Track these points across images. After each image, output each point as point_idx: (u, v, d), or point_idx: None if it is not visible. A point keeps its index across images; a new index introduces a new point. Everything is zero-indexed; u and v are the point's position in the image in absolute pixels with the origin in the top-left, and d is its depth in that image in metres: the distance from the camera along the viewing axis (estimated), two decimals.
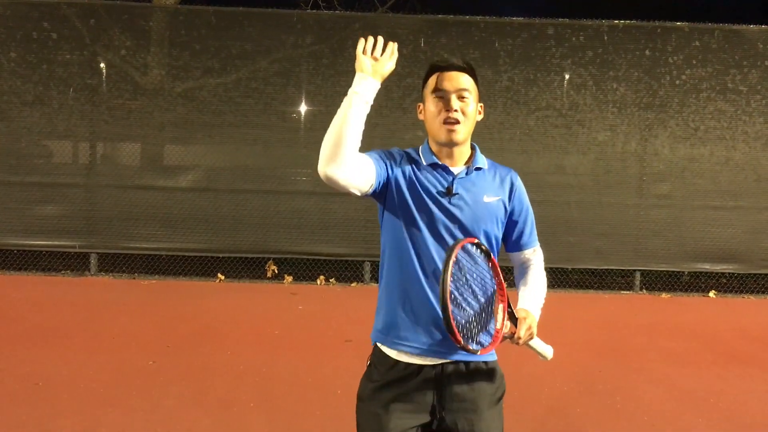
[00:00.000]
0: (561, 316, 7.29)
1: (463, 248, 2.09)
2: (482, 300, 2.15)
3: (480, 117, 2.31)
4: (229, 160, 8.47)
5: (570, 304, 7.81)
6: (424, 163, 2.25)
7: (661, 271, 8.64)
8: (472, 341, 2.07)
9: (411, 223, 2.20)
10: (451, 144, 2.23)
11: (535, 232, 2.40)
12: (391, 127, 8.21)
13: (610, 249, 8.42)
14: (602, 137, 8.38)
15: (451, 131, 2.20)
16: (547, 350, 2.34)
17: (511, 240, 2.36)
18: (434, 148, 2.27)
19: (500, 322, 2.17)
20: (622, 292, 8.52)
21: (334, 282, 8.26)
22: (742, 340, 6.53)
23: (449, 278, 1.97)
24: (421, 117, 2.30)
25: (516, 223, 2.33)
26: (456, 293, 2.04)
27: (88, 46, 8.19)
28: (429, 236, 2.19)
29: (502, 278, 2.21)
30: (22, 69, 8.14)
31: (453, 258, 2.00)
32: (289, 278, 8.28)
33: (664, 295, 8.44)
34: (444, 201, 2.20)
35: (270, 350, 5.63)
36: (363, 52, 2.18)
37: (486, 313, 2.16)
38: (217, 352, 5.51)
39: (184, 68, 8.32)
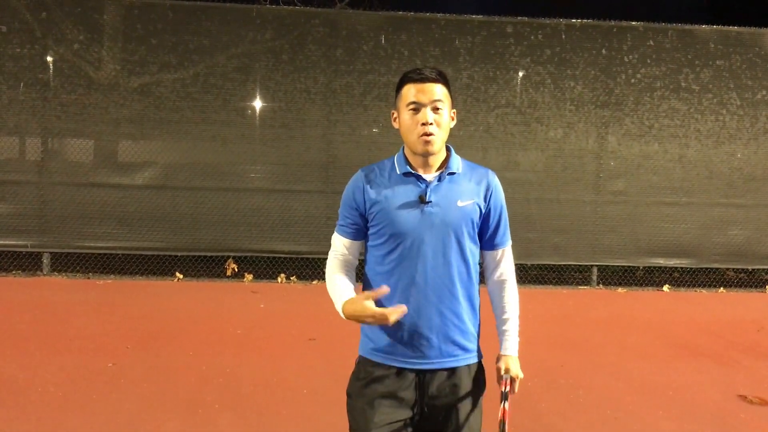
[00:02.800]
0: (521, 311, 7.36)
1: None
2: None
3: (453, 123, 2.34)
4: (186, 156, 8.31)
5: (529, 300, 7.84)
6: (399, 172, 2.30)
7: (616, 266, 8.84)
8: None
9: (389, 237, 2.26)
10: (426, 155, 2.27)
11: (508, 233, 2.45)
12: (351, 123, 8.20)
13: (567, 245, 8.56)
14: (560, 135, 8.51)
15: (427, 143, 2.23)
16: None
17: (485, 239, 2.40)
18: (410, 156, 2.32)
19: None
20: (580, 287, 8.68)
21: (295, 280, 8.21)
22: (696, 332, 6.71)
23: None
24: (395, 125, 2.34)
25: (491, 223, 2.38)
26: None
27: (39, 39, 7.95)
28: (406, 248, 2.24)
29: (506, 407, 2.36)
30: None
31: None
32: (249, 276, 8.19)
33: (620, 289, 8.62)
34: (418, 210, 2.24)
35: (233, 350, 5.56)
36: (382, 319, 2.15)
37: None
38: (178, 352, 5.42)
39: (140, 63, 8.14)
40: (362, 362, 2.33)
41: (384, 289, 2.17)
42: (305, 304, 7.31)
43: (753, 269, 9.19)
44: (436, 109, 2.23)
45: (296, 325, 6.36)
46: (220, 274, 8.29)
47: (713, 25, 8.70)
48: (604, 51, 8.46)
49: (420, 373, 2.26)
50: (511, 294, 2.45)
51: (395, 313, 2.12)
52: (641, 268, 9.11)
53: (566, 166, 8.54)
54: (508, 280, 2.47)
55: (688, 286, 8.84)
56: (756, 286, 8.98)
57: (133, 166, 8.20)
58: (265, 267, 8.30)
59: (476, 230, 2.34)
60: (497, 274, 2.46)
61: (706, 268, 8.89)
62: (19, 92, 7.93)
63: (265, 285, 8.06)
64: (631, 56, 8.48)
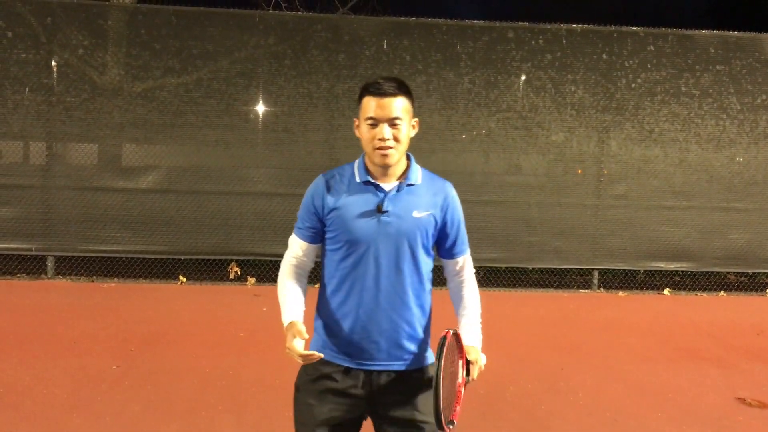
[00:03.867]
0: (522, 314, 7.42)
1: (450, 341, 2.18)
2: (454, 380, 2.25)
3: (414, 132, 2.37)
4: (190, 161, 8.38)
5: (530, 303, 7.95)
6: (358, 180, 2.34)
7: (617, 269, 8.87)
8: (448, 422, 2.16)
9: (344, 244, 2.31)
10: (384, 167, 2.32)
11: (466, 241, 2.51)
12: (353, 128, 8.23)
13: (568, 249, 8.59)
14: (561, 139, 8.55)
15: (384, 156, 2.27)
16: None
17: (444, 248, 2.46)
18: (369, 165, 2.36)
19: (461, 377, 2.27)
20: (581, 290, 8.71)
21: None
22: (696, 336, 6.74)
23: (441, 376, 2.07)
24: (357, 134, 2.37)
25: (448, 233, 2.43)
26: (445, 391, 2.13)
27: (44, 44, 8.02)
28: (360, 255, 2.30)
29: (462, 341, 2.30)
30: None
31: (443, 357, 2.10)
32: (252, 280, 8.24)
33: (620, 293, 8.65)
34: (375, 219, 2.29)
35: (236, 353, 5.60)
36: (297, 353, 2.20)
37: (453, 391, 2.25)
38: (181, 355, 5.46)
39: (144, 68, 8.21)
40: None
41: (317, 356, 2.19)
42: (307, 307, 7.32)
43: (753, 273, 9.23)
44: (393, 125, 2.27)
45: None
46: (223, 278, 8.34)
47: (714, 30, 8.75)
48: (604, 56, 8.51)
49: (367, 373, 2.32)
50: (472, 293, 2.49)
51: (307, 360, 2.18)
52: (642, 271, 9.15)
53: (567, 170, 8.59)
54: (467, 281, 2.51)
55: (689, 289, 8.86)
56: (756, 290, 9.00)
57: (137, 170, 8.26)
58: (267, 270, 8.34)
59: (431, 241, 2.39)
60: (458, 280, 2.51)
61: (707, 272, 8.92)
62: (24, 97, 7.99)
63: (267, 288, 8.10)
64: (631, 61, 8.52)
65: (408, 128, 2.31)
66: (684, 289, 8.88)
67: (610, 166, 8.60)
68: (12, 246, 8.03)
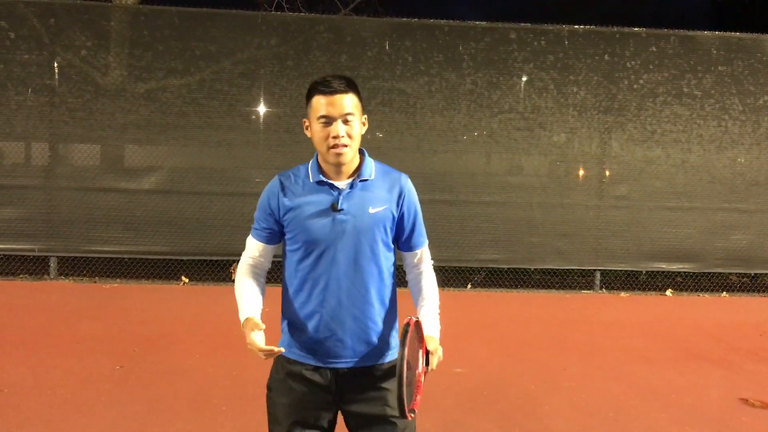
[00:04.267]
0: (524, 315, 7.43)
1: (412, 329, 2.16)
2: (414, 369, 2.23)
3: (365, 129, 2.39)
4: (192, 161, 8.38)
5: (533, 304, 7.96)
6: (312, 180, 2.35)
7: (619, 270, 8.88)
8: (410, 410, 2.16)
9: (302, 244, 2.32)
10: (339, 165, 2.32)
11: (424, 233, 2.50)
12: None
13: (570, 249, 8.60)
14: (563, 140, 8.56)
15: (339, 155, 2.28)
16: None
17: (401, 241, 2.46)
18: (323, 164, 2.36)
19: (421, 367, 2.25)
20: (583, 291, 8.71)
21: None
22: (699, 337, 6.74)
23: (405, 364, 2.06)
24: (308, 134, 2.37)
25: (405, 226, 2.43)
26: (408, 378, 2.12)
27: (47, 45, 8.04)
28: (319, 255, 2.31)
29: (422, 331, 2.29)
30: None
31: (409, 335, 2.10)
32: None
33: (623, 293, 8.65)
34: (329, 218, 2.30)
35: (239, 353, 5.57)
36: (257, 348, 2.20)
37: (414, 380, 2.23)
38: (185, 355, 5.47)
39: (147, 69, 8.22)
40: (279, 358, 2.39)
41: (279, 350, 2.20)
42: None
43: (756, 274, 9.22)
44: (346, 122, 2.28)
45: None
46: (226, 278, 8.34)
47: (716, 31, 8.76)
48: (606, 57, 8.52)
49: (335, 371, 2.32)
50: (430, 284, 2.48)
51: (268, 355, 2.18)
52: (644, 272, 9.14)
53: (569, 171, 8.60)
54: (425, 272, 2.50)
55: (691, 290, 8.87)
56: (759, 291, 8.99)
57: (140, 171, 8.27)
58: (269, 271, 8.32)
59: (390, 235, 2.39)
60: (416, 272, 2.51)
61: (709, 273, 8.92)
62: (27, 98, 8.01)
63: (269, 289, 8.06)
64: (633, 62, 8.52)
65: (359, 125, 2.34)
66: (686, 290, 8.88)
67: (612, 166, 8.61)
68: (15, 246, 8.05)
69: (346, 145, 2.27)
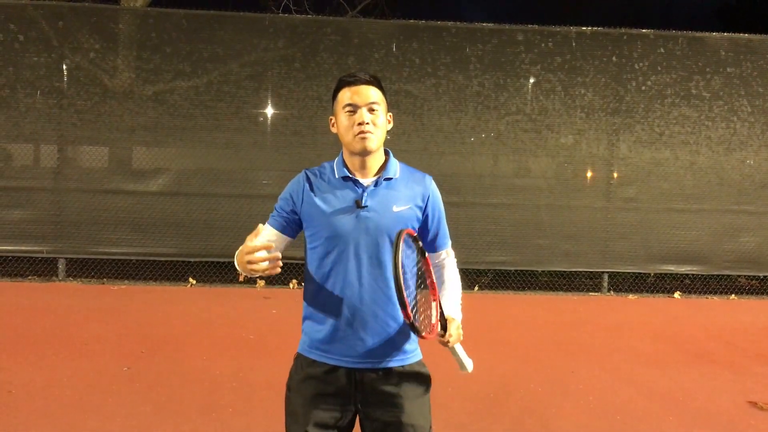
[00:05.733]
0: (532, 317, 7.41)
1: (405, 238, 2.18)
2: (420, 291, 2.25)
3: (390, 126, 2.40)
4: (200, 163, 8.41)
5: (540, 306, 7.94)
6: (337, 176, 2.36)
7: (627, 272, 8.85)
8: (418, 323, 2.16)
9: (325, 240, 2.32)
10: (365, 152, 2.31)
11: (448, 234, 2.52)
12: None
13: (578, 252, 8.58)
14: (571, 141, 8.54)
15: (364, 139, 2.28)
16: (468, 362, 2.41)
17: (426, 242, 2.45)
18: (348, 160, 2.37)
19: (435, 317, 2.26)
20: (591, 293, 8.68)
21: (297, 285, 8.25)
22: (708, 339, 6.71)
23: (401, 256, 2.07)
24: (333, 130, 2.40)
25: (429, 228, 2.44)
26: (405, 276, 2.12)
27: (55, 48, 8.08)
28: (341, 251, 2.30)
29: (434, 278, 2.31)
30: None
31: (402, 239, 2.11)
32: (261, 282, 8.26)
33: (630, 296, 8.62)
34: (353, 214, 2.29)
35: (246, 355, 5.61)
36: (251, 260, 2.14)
37: (424, 304, 2.26)
38: (192, 357, 5.48)
39: (155, 71, 8.26)
40: (298, 358, 2.40)
41: (260, 229, 2.16)
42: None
43: (765, 276, 9.16)
44: (372, 110, 2.30)
45: None
46: (233, 280, 8.36)
47: (724, 32, 8.72)
48: (614, 58, 8.50)
49: (353, 372, 2.31)
50: (452, 276, 2.49)
51: (252, 248, 2.11)
52: (652, 274, 9.11)
53: (577, 172, 8.58)
54: (448, 266, 2.51)
55: (700, 292, 8.82)
56: None
57: (147, 173, 8.30)
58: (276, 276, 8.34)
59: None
60: (439, 266, 2.52)
61: (718, 275, 8.88)
62: (35, 100, 8.06)
63: (277, 291, 8.12)
64: (641, 63, 8.50)
65: (384, 118, 2.35)
66: (694, 293, 8.83)
67: (620, 168, 8.58)
68: (23, 248, 8.09)
69: (370, 132, 2.28)
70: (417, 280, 2.28)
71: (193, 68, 8.23)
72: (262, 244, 2.13)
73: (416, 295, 2.24)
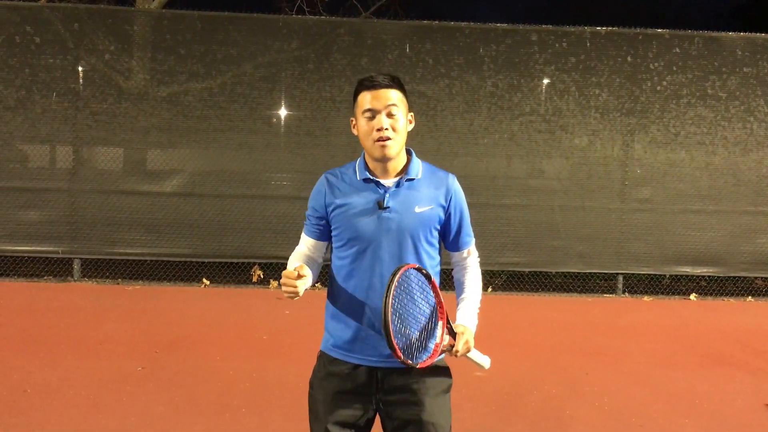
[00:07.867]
0: (546, 319, 7.37)
1: (406, 273, 2.19)
2: (423, 320, 2.25)
3: (411, 126, 2.40)
4: (213, 164, 8.44)
5: (554, 308, 7.89)
6: (359, 178, 2.37)
7: (642, 274, 8.78)
8: (412, 357, 2.17)
9: (348, 241, 2.34)
10: (384, 159, 2.33)
11: (471, 233, 2.53)
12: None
13: (592, 253, 8.52)
14: (585, 142, 8.48)
15: (383, 147, 2.30)
16: (484, 361, 2.41)
17: (449, 241, 2.48)
18: (369, 163, 2.39)
19: (439, 337, 2.27)
20: (605, 295, 8.62)
21: (320, 286, 8.25)
22: (724, 342, 6.64)
23: (391, 300, 2.09)
24: (355, 132, 2.42)
25: (452, 226, 2.45)
26: (398, 314, 2.14)
27: (71, 50, 8.13)
28: (364, 252, 2.32)
29: (441, 298, 2.31)
30: (4, 73, 8.04)
31: (396, 281, 2.12)
32: (274, 283, 8.27)
33: (646, 298, 8.55)
34: (375, 215, 2.31)
35: (259, 355, 5.62)
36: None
37: (426, 332, 2.25)
38: (206, 357, 5.50)
39: (169, 73, 8.29)
40: (321, 357, 2.44)
41: (300, 266, 2.21)
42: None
43: None
44: (390, 115, 2.31)
45: (321, 331, 6.36)
46: (246, 281, 8.39)
47: (740, 32, 8.64)
48: (629, 58, 8.43)
49: (375, 370, 2.33)
50: (474, 280, 2.49)
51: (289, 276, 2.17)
52: (667, 276, 9.04)
53: (591, 173, 8.51)
54: (470, 268, 2.52)
55: (716, 294, 8.73)
56: None
57: (162, 174, 8.34)
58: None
59: (436, 235, 2.40)
60: (461, 266, 2.53)
61: (734, 277, 8.78)
62: (51, 101, 8.11)
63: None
64: (656, 63, 8.43)
65: (405, 120, 2.36)
66: (710, 295, 8.75)
67: (635, 169, 8.51)
68: (39, 249, 8.14)
69: (390, 138, 2.28)
70: (423, 311, 2.25)
71: (207, 70, 8.26)
72: (296, 268, 2.19)
73: (419, 327, 2.23)
